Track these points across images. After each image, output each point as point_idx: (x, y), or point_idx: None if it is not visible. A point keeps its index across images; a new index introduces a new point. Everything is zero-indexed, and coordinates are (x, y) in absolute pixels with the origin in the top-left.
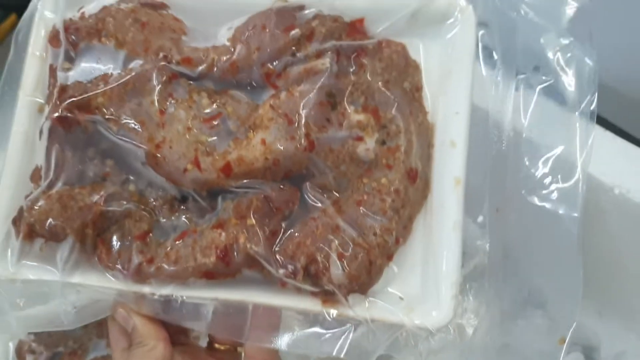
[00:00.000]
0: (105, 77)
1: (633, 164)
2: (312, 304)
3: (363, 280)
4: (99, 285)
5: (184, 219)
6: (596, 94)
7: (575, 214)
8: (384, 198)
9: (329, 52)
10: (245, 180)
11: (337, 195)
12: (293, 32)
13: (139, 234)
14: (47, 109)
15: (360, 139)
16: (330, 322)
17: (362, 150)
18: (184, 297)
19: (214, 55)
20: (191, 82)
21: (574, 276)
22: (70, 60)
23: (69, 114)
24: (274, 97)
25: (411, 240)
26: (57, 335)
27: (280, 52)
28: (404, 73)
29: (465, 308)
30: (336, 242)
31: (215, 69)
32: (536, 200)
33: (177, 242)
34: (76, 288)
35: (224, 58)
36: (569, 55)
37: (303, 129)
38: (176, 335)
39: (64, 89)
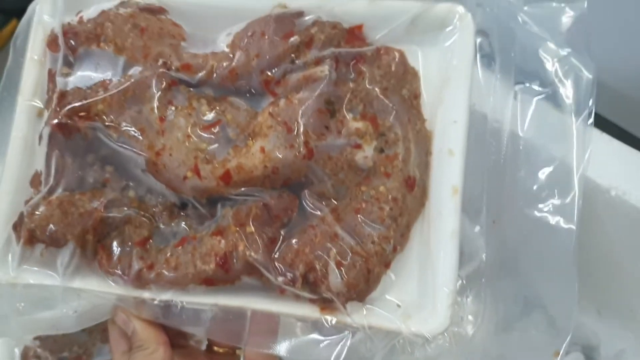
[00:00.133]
0: (104, 84)
1: (629, 166)
2: (310, 311)
3: (361, 288)
4: (99, 290)
5: (183, 225)
6: (594, 106)
7: (572, 227)
8: (382, 206)
9: (328, 60)
10: (244, 188)
11: (336, 202)
12: (292, 38)
13: (139, 240)
14: (46, 114)
15: (358, 146)
16: (329, 328)
17: (361, 158)
18: (184, 303)
19: (213, 62)
20: (191, 88)
21: (570, 287)
22: (69, 65)
23: (68, 121)
24: (272, 104)
25: (409, 248)
26: (62, 341)
27: (279, 59)
28: (402, 80)
29: (461, 317)
30: (334, 250)
31: (214, 75)
32: (533, 213)
33: (177, 249)
34: (77, 293)
35: (223, 65)
36: (566, 67)
37: (302, 136)
38: (175, 338)
39: (63, 95)
